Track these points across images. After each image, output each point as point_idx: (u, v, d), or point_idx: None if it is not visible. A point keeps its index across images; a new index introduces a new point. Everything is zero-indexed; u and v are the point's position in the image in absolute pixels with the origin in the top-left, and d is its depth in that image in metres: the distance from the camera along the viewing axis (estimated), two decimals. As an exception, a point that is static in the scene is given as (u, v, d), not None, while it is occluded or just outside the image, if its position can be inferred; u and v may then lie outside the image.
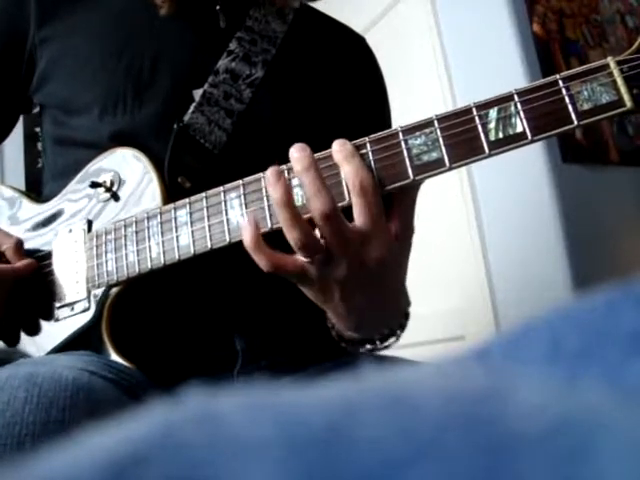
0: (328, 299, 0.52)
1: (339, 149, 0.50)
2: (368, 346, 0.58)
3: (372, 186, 0.48)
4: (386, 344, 0.59)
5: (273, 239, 0.52)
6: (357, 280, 0.50)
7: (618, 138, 1.63)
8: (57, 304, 0.65)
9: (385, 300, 0.55)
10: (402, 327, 0.60)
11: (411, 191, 0.51)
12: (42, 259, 0.67)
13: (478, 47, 1.61)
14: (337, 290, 0.50)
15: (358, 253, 0.49)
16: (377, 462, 0.10)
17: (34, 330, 0.66)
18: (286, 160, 0.55)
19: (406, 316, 0.60)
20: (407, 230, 0.52)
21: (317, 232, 0.49)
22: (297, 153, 0.49)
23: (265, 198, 0.54)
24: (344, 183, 0.50)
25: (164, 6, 0.68)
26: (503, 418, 0.11)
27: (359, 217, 0.49)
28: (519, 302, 1.47)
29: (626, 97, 0.47)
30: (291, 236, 0.48)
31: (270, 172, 0.50)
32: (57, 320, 0.64)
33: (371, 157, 0.51)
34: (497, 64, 1.54)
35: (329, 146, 0.52)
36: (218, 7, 0.70)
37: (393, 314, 0.58)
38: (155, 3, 0.68)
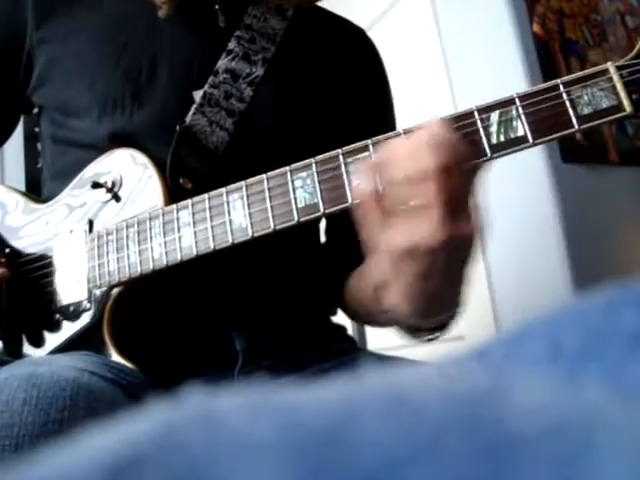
0: (404, 274, 0.47)
1: (437, 127, 0.47)
2: (423, 335, 0.56)
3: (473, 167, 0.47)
4: (438, 334, 0.57)
5: (279, 241, 0.51)
6: (449, 254, 0.46)
7: (618, 138, 1.62)
8: (58, 304, 0.65)
9: (460, 283, 0.51)
10: (456, 317, 0.57)
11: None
12: (43, 259, 0.67)
13: (478, 47, 1.61)
14: (418, 263, 0.46)
15: (457, 226, 0.45)
16: (377, 462, 0.10)
17: (37, 341, 0.65)
18: (287, 158, 0.55)
19: (462, 305, 0.57)
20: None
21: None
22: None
23: (268, 199, 0.54)
24: (347, 186, 0.51)
25: (163, 7, 0.67)
26: (503, 418, 0.11)
27: (459, 189, 0.45)
28: (519, 302, 1.47)
29: (626, 102, 0.48)
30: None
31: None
32: (58, 320, 0.64)
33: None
34: (497, 64, 1.54)
35: (331, 141, 0.52)
36: (217, 7, 0.70)
37: (458, 299, 0.54)
38: (154, 4, 0.68)
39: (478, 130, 0.50)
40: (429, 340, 0.58)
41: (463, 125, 0.50)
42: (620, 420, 0.11)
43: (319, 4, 0.81)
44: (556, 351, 0.15)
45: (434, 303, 0.51)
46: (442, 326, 0.57)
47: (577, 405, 0.11)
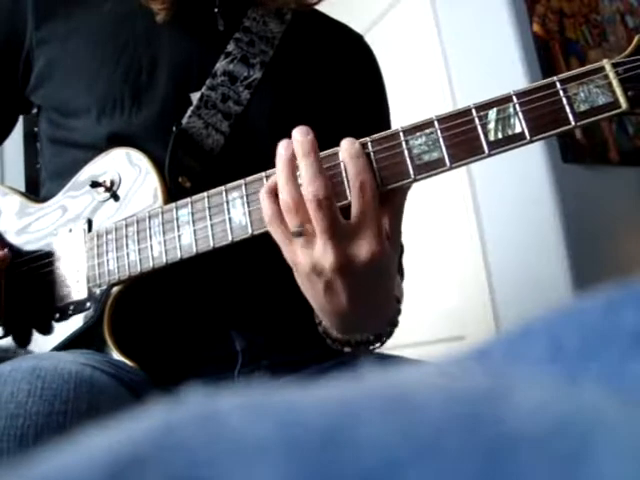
0: (312, 289, 0.52)
1: (347, 147, 0.51)
2: (349, 348, 0.58)
3: (372, 188, 0.49)
4: (371, 348, 0.59)
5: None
6: (344, 276, 0.49)
7: (618, 138, 1.63)
8: (58, 304, 0.65)
9: (372, 302, 0.54)
10: (389, 334, 0.59)
11: (402, 194, 0.52)
12: (42, 259, 0.67)
13: (478, 47, 1.61)
14: (321, 281, 0.50)
15: (347, 249, 0.49)
16: (377, 463, 0.10)
17: (46, 329, 0.66)
18: None
19: (394, 324, 0.59)
20: (397, 231, 0.53)
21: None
22: (300, 137, 0.50)
23: None
24: (346, 182, 0.51)
25: (161, 14, 0.68)
26: (503, 418, 0.11)
27: (355, 214, 0.49)
28: (519, 302, 1.47)
29: (621, 99, 0.48)
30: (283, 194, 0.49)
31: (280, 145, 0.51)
32: (58, 320, 0.65)
33: (373, 157, 0.51)
34: (497, 64, 1.55)
35: (328, 146, 0.53)
36: (216, 10, 0.70)
37: (381, 319, 0.57)
38: (152, 10, 0.68)
39: (476, 127, 0.50)
40: (352, 352, 0.59)
41: (461, 123, 0.50)
42: (620, 420, 0.11)
43: (320, 8, 0.81)
44: (556, 351, 0.15)
45: (347, 320, 0.54)
46: (371, 341, 0.58)
47: (577, 405, 0.11)
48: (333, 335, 0.57)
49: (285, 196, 0.49)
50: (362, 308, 0.53)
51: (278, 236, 0.51)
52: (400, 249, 0.55)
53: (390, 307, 0.58)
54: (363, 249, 0.49)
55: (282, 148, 0.51)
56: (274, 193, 0.50)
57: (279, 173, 0.50)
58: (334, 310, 0.52)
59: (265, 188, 0.51)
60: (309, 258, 0.49)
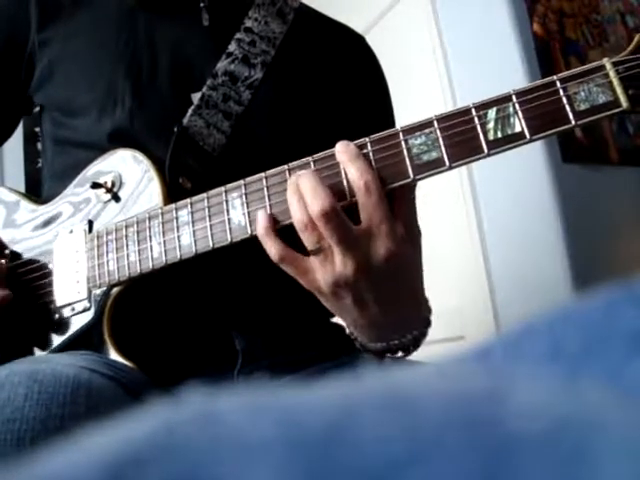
0: (341, 305, 0.51)
1: (343, 150, 0.51)
2: (390, 355, 0.57)
3: (377, 186, 0.49)
4: (408, 352, 0.58)
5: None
6: (369, 282, 0.49)
7: (618, 137, 1.62)
8: (58, 304, 0.65)
9: (402, 304, 0.53)
10: (423, 335, 0.58)
11: (409, 192, 0.52)
12: (42, 259, 0.67)
13: (478, 47, 1.61)
14: (348, 294, 0.50)
15: (365, 253, 0.48)
16: (377, 463, 0.10)
17: (46, 329, 0.65)
18: (285, 161, 0.55)
19: (427, 323, 0.58)
20: (413, 229, 0.52)
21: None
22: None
23: (267, 198, 0.54)
24: (345, 182, 0.51)
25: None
26: (503, 419, 0.11)
27: (365, 217, 0.49)
28: (519, 302, 1.47)
29: (622, 97, 0.48)
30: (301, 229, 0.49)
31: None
32: (58, 320, 0.65)
33: (372, 157, 0.51)
34: (497, 64, 1.54)
35: (328, 145, 0.52)
36: (202, 4, 0.71)
37: (412, 320, 0.56)
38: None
39: (475, 127, 0.50)
40: (394, 358, 0.58)
41: (460, 122, 0.50)
42: (620, 420, 0.11)
43: (321, 8, 0.81)
44: (556, 351, 0.15)
45: (382, 327, 0.53)
46: (408, 344, 0.57)
47: (577, 405, 0.11)
48: (372, 348, 0.56)
49: (297, 218, 0.49)
50: (393, 311, 0.52)
51: (292, 270, 0.51)
52: (420, 246, 0.54)
53: (421, 306, 0.57)
54: (380, 249, 0.48)
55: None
56: (273, 230, 0.51)
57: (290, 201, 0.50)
58: (367, 320, 0.52)
59: (262, 229, 0.51)
60: (331, 274, 0.49)
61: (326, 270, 0.49)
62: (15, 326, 0.67)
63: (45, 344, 0.65)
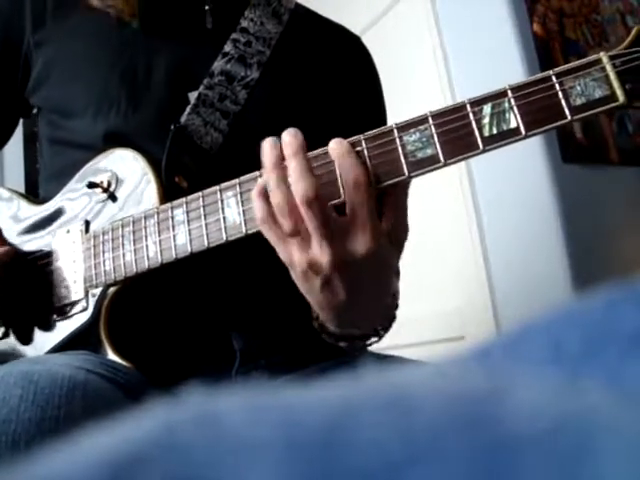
0: (309, 286, 0.51)
1: (335, 147, 0.51)
2: (345, 343, 0.58)
3: (366, 183, 0.49)
4: (367, 343, 0.59)
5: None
6: (342, 274, 0.49)
7: (618, 136, 1.62)
8: (55, 304, 0.65)
9: (370, 299, 0.54)
10: (385, 329, 0.59)
11: (401, 190, 0.52)
12: (40, 259, 0.67)
13: (478, 47, 1.61)
14: (318, 279, 0.50)
15: (344, 246, 0.49)
16: (376, 463, 0.10)
17: (44, 329, 0.65)
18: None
19: (392, 318, 0.59)
20: (399, 228, 0.53)
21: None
22: (287, 138, 0.50)
23: None
24: (339, 180, 0.51)
25: (134, 22, 0.69)
26: (503, 419, 0.11)
27: (350, 212, 0.49)
28: (519, 302, 1.47)
29: (619, 92, 0.47)
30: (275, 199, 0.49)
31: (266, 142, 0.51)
32: (55, 320, 0.65)
33: (366, 154, 0.51)
34: (497, 64, 1.54)
35: (324, 145, 0.53)
36: (207, 7, 0.71)
37: (378, 313, 0.57)
38: (125, 21, 0.69)
39: (470, 123, 0.49)
40: (349, 347, 0.59)
41: (455, 118, 0.50)
42: (620, 420, 0.11)
43: (320, 8, 0.81)
44: (556, 351, 0.15)
45: (344, 314, 0.54)
46: (368, 336, 0.58)
47: (577, 406, 0.11)
48: (330, 330, 0.57)
49: (277, 199, 0.49)
50: (360, 303, 0.53)
51: (271, 237, 0.51)
52: (402, 245, 0.55)
53: (388, 302, 0.58)
54: (359, 244, 0.49)
55: (268, 147, 0.51)
56: (265, 193, 0.50)
57: (269, 175, 0.50)
58: (332, 305, 0.52)
59: (256, 189, 0.51)
60: (305, 257, 0.49)
61: (303, 251, 0.49)
62: (13, 325, 0.67)
63: (42, 344, 0.65)
